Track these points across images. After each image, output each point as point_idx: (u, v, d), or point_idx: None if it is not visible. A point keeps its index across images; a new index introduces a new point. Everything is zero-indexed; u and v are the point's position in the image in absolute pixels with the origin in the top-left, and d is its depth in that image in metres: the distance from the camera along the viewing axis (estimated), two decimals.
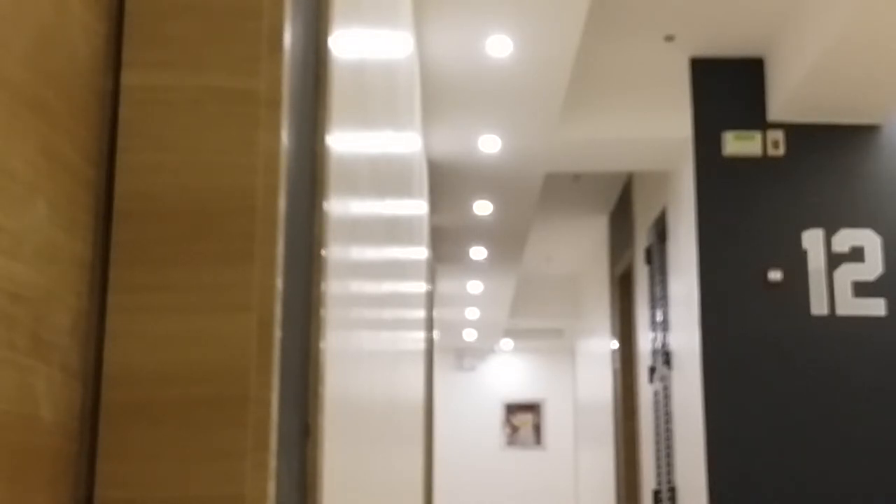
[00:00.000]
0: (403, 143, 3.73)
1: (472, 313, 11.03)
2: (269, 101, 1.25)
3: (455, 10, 4.38)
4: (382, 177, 2.89)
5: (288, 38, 1.30)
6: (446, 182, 6.58)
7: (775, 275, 5.17)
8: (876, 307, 5.14)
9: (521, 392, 13.69)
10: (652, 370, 6.48)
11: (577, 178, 7.63)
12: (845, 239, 5.20)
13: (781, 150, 5.32)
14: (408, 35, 3.88)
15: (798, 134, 5.33)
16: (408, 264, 4.19)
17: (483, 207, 7.11)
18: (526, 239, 7.94)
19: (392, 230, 3.27)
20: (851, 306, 5.14)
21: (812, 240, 5.21)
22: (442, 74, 5.02)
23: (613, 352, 8.05)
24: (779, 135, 5.33)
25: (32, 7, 1.02)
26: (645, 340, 6.76)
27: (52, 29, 1.06)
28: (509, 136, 5.79)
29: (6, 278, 0.96)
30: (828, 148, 5.32)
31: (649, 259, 6.57)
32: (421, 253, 5.36)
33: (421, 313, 5.60)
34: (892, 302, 5.15)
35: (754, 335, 5.13)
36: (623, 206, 7.68)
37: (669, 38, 5.26)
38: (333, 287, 1.81)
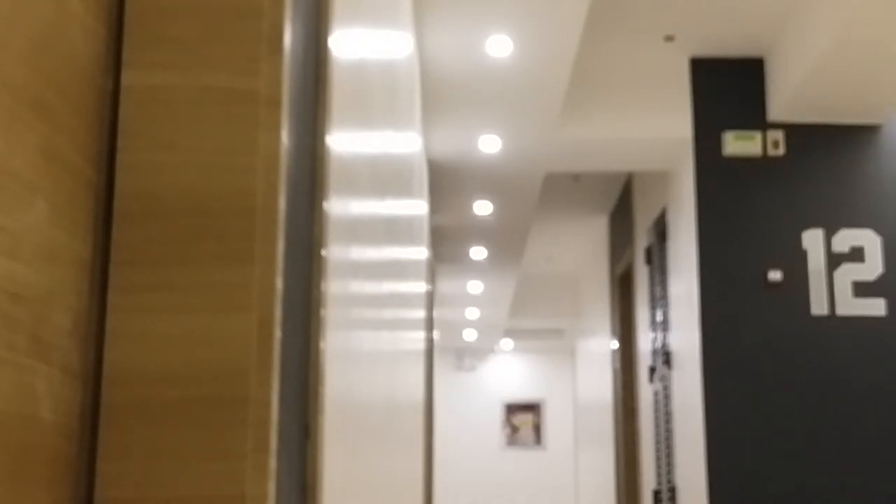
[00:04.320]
0: (403, 143, 3.73)
1: (472, 313, 11.03)
2: (269, 101, 1.25)
3: (455, 10, 4.38)
4: (382, 177, 2.89)
5: (288, 38, 1.30)
6: (446, 182, 6.58)
7: (775, 275, 5.17)
8: (876, 307, 5.14)
9: (521, 392, 13.69)
10: (652, 370, 6.48)
11: (577, 178, 7.63)
12: (845, 239, 5.20)
13: (781, 150, 5.32)
14: (408, 35, 3.88)
15: (798, 134, 5.33)
16: (408, 264, 4.19)
17: (483, 207, 7.11)
18: (526, 239, 7.93)
19: (392, 230, 3.27)
20: (851, 306, 5.14)
21: (812, 240, 5.21)
22: (442, 74, 5.02)
23: (613, 352, 8.05)
24: (779, 135, 5.33)
25: (32, 7, 1.02)
26: (645, 340, 6.76)
27: (52, 29, 1.06)
28: (509, 136, 5.79)
29: (6, 278, 0.96)
30: (828, 148, 5.32)
31: (649, 259, 6.57)
32: (421, 253, 5.36)
33: (421, 313, 5.60)
34: (892, 302, 5.15)
35: (754, 335, 5.13)
36: (623, 206, 7.68)
37: (669, 38, 5.26)
38: (333, 287, 1.81)
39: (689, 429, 5.47)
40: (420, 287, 5.41)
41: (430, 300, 7.51)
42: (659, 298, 6.28)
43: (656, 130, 5.61)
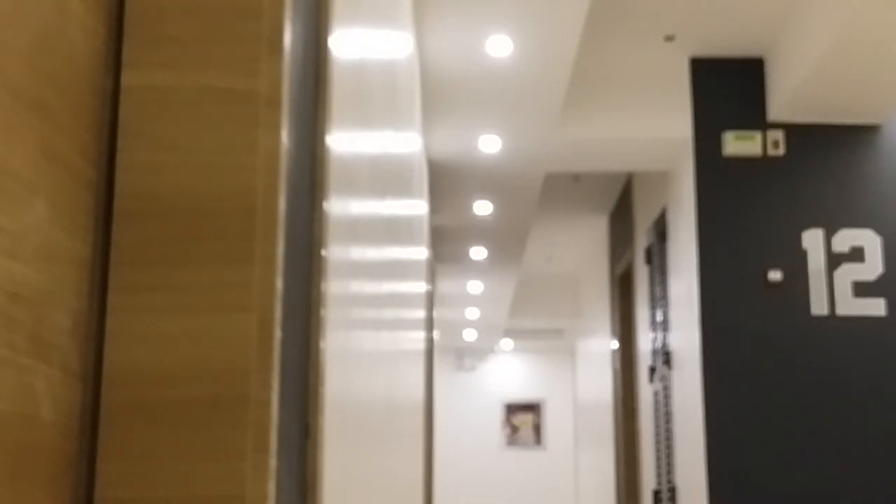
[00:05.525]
0: (403, 143, 3.73)
1: (472, 313, 11.03)
2: (269, 101, 1.25)
3: (455, 10, 4.38)
4: (382, 177, 2.89)
5: (288, 38, 1.30)
6: (446, 182, 6.58)
7: (775, 275, 5.17)
8: (876, 307, 5.14)
9: (521, 392, 13.69)
10: (652, 370, 6.48)
11: (577, 178, 7.63)
12: (845, 239, 5.20)
13: (781, 150, 5.32)
14: (408, 35, 3.88)
15: (798, 134, 5.32)
16: (408, 264, 4.19)
17: (483, 207, 7.11)
18: (526, 239, 7.93)
19: (392, 230, 3.27)
20: (851, 306, 5.14)
21: (812, 240, 5.21)
22: (442, 74, 5.02)
23: (613, 352, 8.05)
24: (779, 135, 5.33)
25: (32, 7, 1.02)
26: (645, 340, 6.76)
27: (52, 29, 1.06)
28: (509, 136, 5.79)
29: (6, 278, 0.96)
30: (828, 148, 5.32)
31: (649, 259, 6.57)
32: (421, 253, 5.36)
33: (421, 313, 5.60)
34: (892, 302, 5.15)
35: (754, 335, 5.13)
36: (623, 206, 7.68)
37: (669, 38, 5.26)
38: (333, 287, 1.81)
39: (689, 429, 5.47)
40: (420, 287, 5.41)
41: (430, 300, 7.51)
42: (659, 298, 6.28)
43: (656, 130, 5.61)
